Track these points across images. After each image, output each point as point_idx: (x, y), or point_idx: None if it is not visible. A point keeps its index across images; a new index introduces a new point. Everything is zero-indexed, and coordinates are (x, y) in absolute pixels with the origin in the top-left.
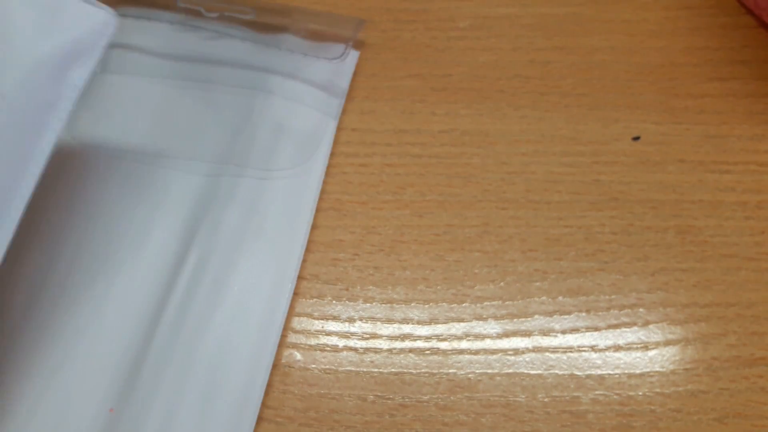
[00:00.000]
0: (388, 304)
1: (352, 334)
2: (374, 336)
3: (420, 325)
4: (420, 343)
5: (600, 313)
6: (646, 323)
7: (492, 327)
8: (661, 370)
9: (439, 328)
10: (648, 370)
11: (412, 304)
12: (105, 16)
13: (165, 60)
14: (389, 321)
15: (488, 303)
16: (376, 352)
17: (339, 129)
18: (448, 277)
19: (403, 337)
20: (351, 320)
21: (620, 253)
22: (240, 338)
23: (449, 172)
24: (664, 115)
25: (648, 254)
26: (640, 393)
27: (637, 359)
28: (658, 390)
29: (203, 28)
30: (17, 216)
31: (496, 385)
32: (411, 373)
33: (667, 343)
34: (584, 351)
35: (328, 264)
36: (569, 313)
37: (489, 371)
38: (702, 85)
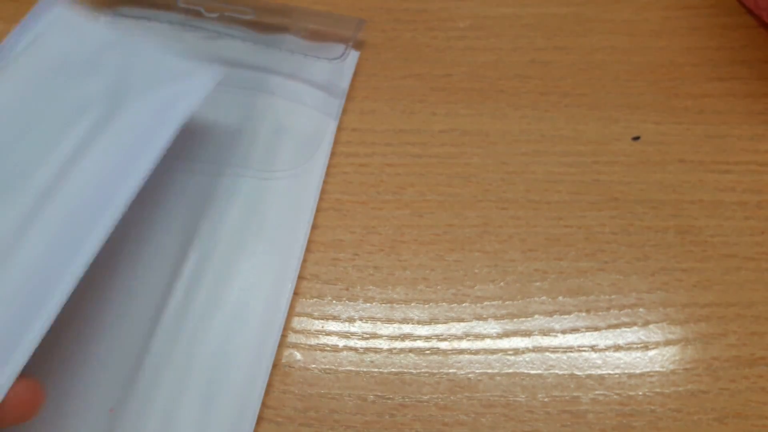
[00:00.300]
0: (388, 304)
1: (352, 334)
2: (374, 336)
3: (420, 325)
4: (420, 343)
5: (600, 313)
6: (646, 323)
7: (492, 327)
8: (661, 370)
9: (439, 328)
10: (648, 370)
11: (412, 304)
12: (210, 72)
13: None
14: (389, 321)
15: (488, 303)
16: (376, 352)
17: (339, 129)
18: (448, 277)
19: (403, 337)
20: (351, 320)
21: (620, 253)
22: (240, 338)
23: (449, 172)
24: (664, 115)
25: (648, 254)
26: (640, 393)
27: (637, 359)
28: (658, 390)
29: (203, 28)
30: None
31: (496, 385)
32: (411, 373)
33: (667, 343)
34: (584, 351)
35: (328, 264)
36: (569, 313)
37: (489, 371)
38: (702, 85)
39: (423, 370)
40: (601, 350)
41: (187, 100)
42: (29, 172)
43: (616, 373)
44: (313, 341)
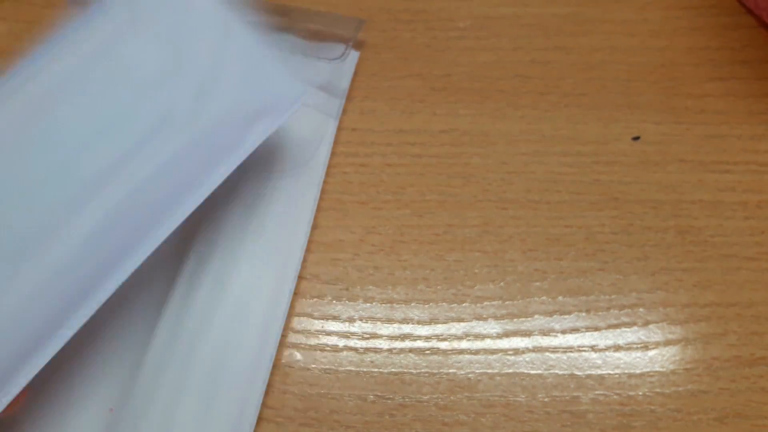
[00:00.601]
0: (388, 304)
1: (352, 334)
2: (374, 336)
3: (420, 325)
4: (420, 343)
5: (600, 313)
6: (646, 323)
7: (492, 327)
8: (661, 370)
9: (439, 328)
10: (648, 370)
11: (412, 304)
12: (299, 89)
13: None
14: (389, 321)
15: (488, 303)
16: (376, 352)
17: (339, 129)
18: (448, 277)
19: (403, 337)
20: (351, 320)
21: (620, 253)
22: (240, 338)
23: (449, 172)
24: (664, 115)
25: (648, 254)
26: (640, 393)
27: (637, 359)
28: (658, 390)
29: None
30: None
31: (496, 385)
32: (411, 373)
33: (667, 343)
34: (584, 351)
35: (328, 264)
36: (569, 313)
37: (489, 371)
38: (702, 85)
39: (423, 370)
40: (601, 350)
41: (273, 117)
42: (91, 157)
43: (616, 373)
44: (313, 341)
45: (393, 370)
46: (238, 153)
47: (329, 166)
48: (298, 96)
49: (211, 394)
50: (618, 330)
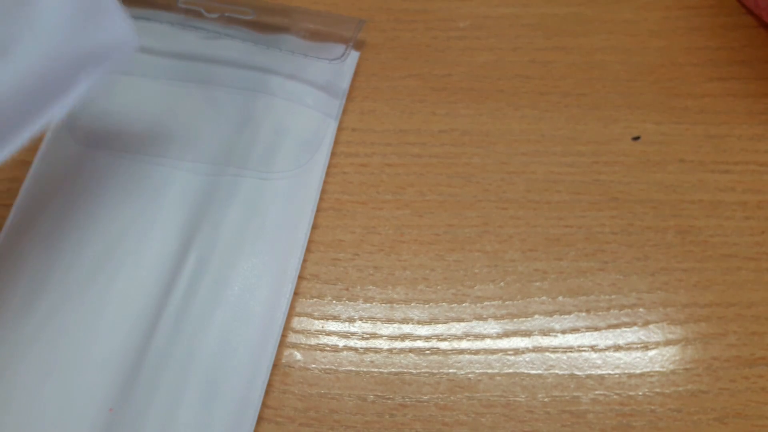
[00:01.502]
0: (388, 304)
1: (352, 334)
2: (374, 336)
3: (420, 325)
4: (420, 343)
5: (600, 313)
6: (646, 323)
7: (492, 327)
8: (661, 370)
9: (439, 328)
10: (648, 370)
11: (412, 304)
12: (130, 33)
13: (165, 60)
14: (389, 321)
15: (488, 303)
16: (376, 352)
17: (339, 129)
18: (448, 277)
19: (403, 337)
20: (351, 320)
21: (620, 253)
22: (240, 338)
23: (449, 172)
24: (664, 115)
25: (648, 254)
26: (640, 393)
27: (637, 359)
28: (658, 390)
29: (203, 28)
30: None
31: (496, 385)
32: (411, 373)
33: (667, 343)
34: (584, 351)
35: (328, 264)
36: (569, 313)
37: (489, 371)
38: (702, 85)
39: (423, 370)
40: (601, 350)
41: (102, 64)
42: None
43: (616, 373)
44: (313, 341)
45: (393, 370)
46: (63, 100)
47: (329, 166)
48: (131, 42)
49: (211, 394)
50: (618, 330)
